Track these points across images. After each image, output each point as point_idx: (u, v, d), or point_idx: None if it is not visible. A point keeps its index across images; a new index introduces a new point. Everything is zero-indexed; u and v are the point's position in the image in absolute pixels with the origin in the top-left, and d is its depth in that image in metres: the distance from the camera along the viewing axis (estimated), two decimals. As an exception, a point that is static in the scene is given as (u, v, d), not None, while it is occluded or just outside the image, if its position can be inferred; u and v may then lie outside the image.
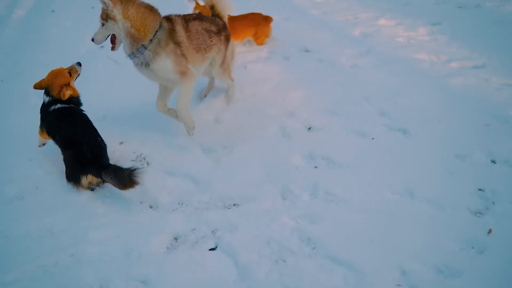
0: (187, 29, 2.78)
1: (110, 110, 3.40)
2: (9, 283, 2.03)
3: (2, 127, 3.34)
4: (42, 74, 2.81)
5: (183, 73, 2.70)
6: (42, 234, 2.32)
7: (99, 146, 2.62)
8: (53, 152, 2.82)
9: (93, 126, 2.72)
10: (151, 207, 2.44)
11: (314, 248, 2.05)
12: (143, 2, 2.65)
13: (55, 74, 2.72)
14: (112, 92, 3.71)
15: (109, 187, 2.53)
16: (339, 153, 2.67)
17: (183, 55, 2.71)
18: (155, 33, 2.60)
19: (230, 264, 2.03)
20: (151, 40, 2.58)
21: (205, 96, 3.47)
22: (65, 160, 2.61)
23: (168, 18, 2.73)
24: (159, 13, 2.68)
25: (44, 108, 2.74)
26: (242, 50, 4.22)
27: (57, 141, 2.68)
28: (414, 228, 2.12)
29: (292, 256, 2.02)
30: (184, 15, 2.88)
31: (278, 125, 2.99)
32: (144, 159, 2.82)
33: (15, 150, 3.00)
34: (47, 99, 2.73)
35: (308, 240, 2.09)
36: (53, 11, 6.39)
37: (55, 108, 2.69)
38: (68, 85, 2.71)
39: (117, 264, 2.09)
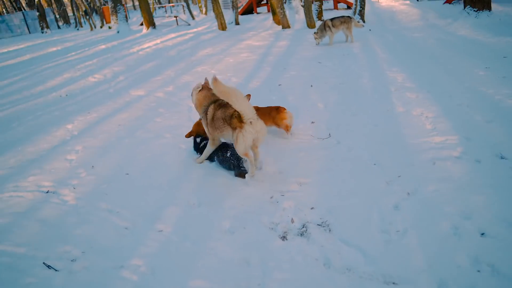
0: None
1: (310, 176, 4.17)
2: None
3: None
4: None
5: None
6: (242, 263, 3.12)
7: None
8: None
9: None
10: (324, 265, 3.02)
11: None
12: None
13: (197, 124, 5.01)
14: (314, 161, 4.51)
15: (300, 247, 3.25)
16: (507, 264, 2.80)
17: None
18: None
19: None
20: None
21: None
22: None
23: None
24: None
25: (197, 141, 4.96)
26: (436, 146, 4.55)
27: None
28: None
29: None
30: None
31: (451, 224, 3.25)
32: (328, 226, 3.44)
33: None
34: (198, 139, 4.93)
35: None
36: (280, 84, 7.78)
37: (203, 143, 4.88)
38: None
39: (290, 302, 2.72)
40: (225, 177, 4.42)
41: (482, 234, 3.14)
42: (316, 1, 16.91)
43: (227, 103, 4.17)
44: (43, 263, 3.18)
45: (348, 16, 11.32)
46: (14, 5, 47.07)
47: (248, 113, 4.06)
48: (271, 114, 5.19)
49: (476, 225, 3.22)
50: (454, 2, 16.16)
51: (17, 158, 5.47)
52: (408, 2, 20.38)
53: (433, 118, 5.33)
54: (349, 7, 19.97)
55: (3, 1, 55.13)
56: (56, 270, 3.11)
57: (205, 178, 4.47)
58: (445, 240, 3.11)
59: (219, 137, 4.54)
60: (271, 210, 3.73)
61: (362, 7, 14.89)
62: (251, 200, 3.92)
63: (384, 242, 3.16)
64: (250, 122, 4.06)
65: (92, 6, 36.80)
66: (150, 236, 3.55)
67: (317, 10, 16.71)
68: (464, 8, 12.81)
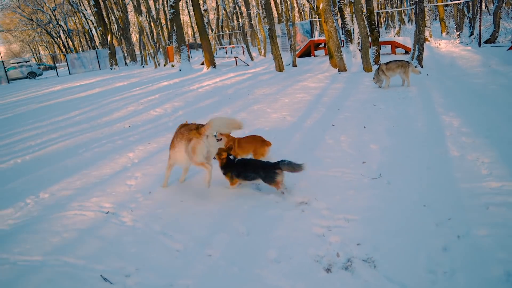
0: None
1: (358, 213, 4.20)
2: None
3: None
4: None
5: None
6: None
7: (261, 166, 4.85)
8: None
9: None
10: (368, 300, 3.03)
11: None
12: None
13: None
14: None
15: (344, 280, 3.27)
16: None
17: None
18: None
19: None
20: None
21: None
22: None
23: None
24: None
25: (231, 162, 5.01)
26: (491, 191, 4.44)
27: (243, 178, 4.95)
28: None
29: None
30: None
31: (504, 270, 3.13)
32: (373, 262, 3.44)
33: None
34: (232, 157, 5.03)
35: None
36: (333, 124, 7.90)
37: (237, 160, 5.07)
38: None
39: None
40: (275, 209, 4.53)
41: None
42: (373, 45, 17.07)
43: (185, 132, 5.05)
44: (101, 275, 3.42)
45: (406, 61, 11.33)
46: (89, 44, 51.31)
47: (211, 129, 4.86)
48: (254, 143, 5.67)
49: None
50: (518, 49, 15.74)
51: (82, 181, 5.91)
52: (469, 48, 20.03)
53: (490, 164, 5.21)
54: (407, 52, 19.90)
55: (80, 40, 60.23)
56: (111, 283, 3.33)
57: (255, 209, 4.61)
58: (496, 286, 3.03)
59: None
60: (318, 243, 3.78)
61: (420, 52, 14.82)
62: (299, 233, 4.00)
63: (430, 282, 3.12)
64: (207, 136, 4.88)
65: (158, 45, 39.12)
66: (199, 259, 3.71)
67: (374, 55, 16.80)
68: (529, 55, 12.47)
